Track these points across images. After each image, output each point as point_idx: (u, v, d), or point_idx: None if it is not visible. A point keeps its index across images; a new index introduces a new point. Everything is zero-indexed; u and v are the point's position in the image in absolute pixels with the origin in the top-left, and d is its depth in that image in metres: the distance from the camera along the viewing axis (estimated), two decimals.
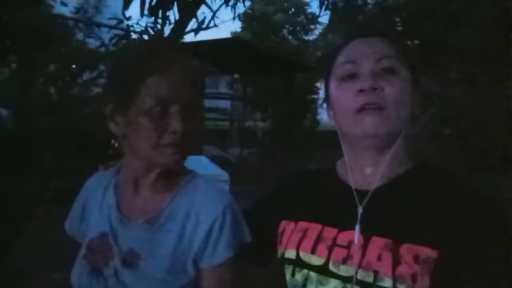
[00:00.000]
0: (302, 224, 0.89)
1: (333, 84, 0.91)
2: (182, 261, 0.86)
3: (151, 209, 0.91)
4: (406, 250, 0.75)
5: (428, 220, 0.77)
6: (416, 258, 0.73)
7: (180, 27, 4.19)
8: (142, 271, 0.85)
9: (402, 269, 0.73)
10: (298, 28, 10.23)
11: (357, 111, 0.84)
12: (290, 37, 9.66)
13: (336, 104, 0.90)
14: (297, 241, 0.86)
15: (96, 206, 0.97)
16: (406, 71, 0.86)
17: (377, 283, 0.74)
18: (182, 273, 0.86)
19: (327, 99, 0.96)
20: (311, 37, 10.37)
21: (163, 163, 0.87)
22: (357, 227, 0.81)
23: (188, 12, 4.16)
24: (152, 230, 0.88)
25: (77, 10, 8.19)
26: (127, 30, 5.62)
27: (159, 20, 4.76)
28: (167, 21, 4.37)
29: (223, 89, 14.17)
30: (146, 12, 4.35)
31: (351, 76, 0.86)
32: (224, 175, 3.33)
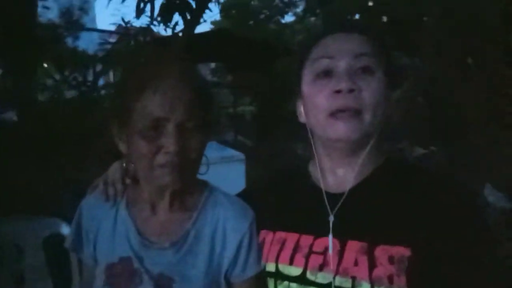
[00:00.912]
0: (280, 234, 0.88)
1: (306, 79, 0.87)
2: (215, 280, 0.88)
3: (174, 230, 0.90)
4: (381, 252, 0.75)
5: (399, 219, 0.77)
6: (391, 259, 0.74)
7: (193, 23, 4.36)
8: None
9: (378, 272, 0.74)
10: (275, 13, 10.61)
11: (332, 113, 0.82)
12: (268, 22, 10.05)
13: (309, 103, 0.86)
14: (275, 254, 0.87)
15: (107, 227, 0.94)
16: (383, 72, 0.83)
17: None
18: None
19: (298, 94, 0.91)
20: (288, 21, 10.85)
21: (162, 184, 0.86)
22: (330, 236, 0.81)
23: (201, 7, 4.33)
24: (181, 253, 0.88)
25: (62, 13, 8.31)
26: (127, 34, 5.92)
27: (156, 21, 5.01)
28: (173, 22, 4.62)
29: (207, 78, 14.52)
30: (149, 14, 4.58)
31: (327, 73, 0.83)
32: (239, 154, 3.78)
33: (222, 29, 8.16)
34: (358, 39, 0.84)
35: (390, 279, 0.72)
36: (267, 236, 0.89)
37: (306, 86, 0.86)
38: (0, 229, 2.16)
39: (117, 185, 0.96)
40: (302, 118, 0.91)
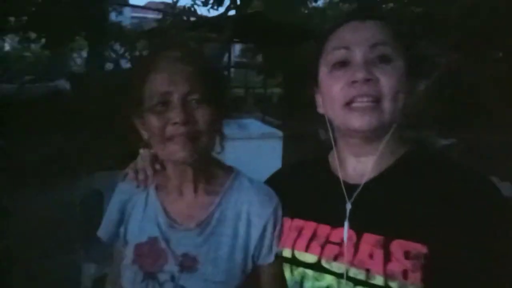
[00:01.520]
0: (297, 222, 0.89)
1: (323, 70, 0.86)
2: (239, 262, 0.90)
3: (199, 213, 0.93)
4: (397, 247, 0.73)
5: (418, 214, 0.75)
6: (406, 254, 0.72)
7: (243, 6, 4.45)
8: (201, 275, 0.87)
9: (393, 266, 0.72)
10: None
11: (349, 103, 0.80)
12: (301, 5, 10.19)
13: (326, 94, 0.85)
14: (292, 241, 0.87)
15: (139, 210, 0.98)
16: (401, 60, 0.81)
17: (369, 281, 0.74)
18: (239, 273, 0.89)
19: (316, 84, 0.90)
20: (320, 4, 10.96)
21: (176, 159, 0.89)
22: (346, 224, 0.80)
23: None
24: (205, 234, 0.90)
25: None
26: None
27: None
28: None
29: (236, 58, 14.78)
30: None
31: (343, 64, 0.82)
32: (278, 132, 4.02)
33: (255, 12, 8.37)
34: (374, 27, 0.82)
35: (405, 274, 0.71)
36: (286, 222, 0.91)
37: (323, 77, 0.86)
38: (89, 181, 2.67)
39: (147, 171, 1.00)
40: (321, 109, 0.91)
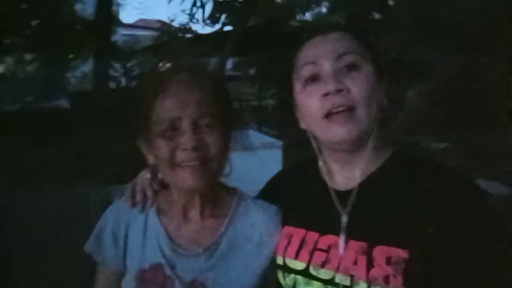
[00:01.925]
0: (288, 229, 0.90)
1: (297, 87, 0.88)
2: (250, 283, 0.89)
3: (206, 237, 0.91)
4: (379, 253, 0.75)
5: (399, 220, 0.77)
6: (388, 260, 0.74)
7: (241, 23, 4.68)
8: None
9: (375, 272, 0.74)
10: (296, 10, 10.98)
11: (325, 116, 0.82)
12: (290, 18, 10.45)
13: (303, 109, 0.87)
14: (283, 248, 0.89)
15: (137, 233, 0.93)
16: (370, 66, 0.83)
17: (354, 287, 0.76)
18: None
19: (291, 101, 0.91)
20: (309, 17, 11.24)
21: (187, 187, 0.87)
22: (342, 236, 0.81)
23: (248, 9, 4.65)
24: (213, 259, 0.88)
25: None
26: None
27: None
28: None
29: (229, 71, 15.00)
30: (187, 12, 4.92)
31: (314, 78, 0.83)
32: (277, 142, 4.18)
33: (252, 26, 8.63)
34: (337, 38, 0.84)
35: (386, 279, 0.73)
36: None
37: (298, 94, 0.88)
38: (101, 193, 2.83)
39: (147, 191, 0.96)
40: (303, 124, 0.92)
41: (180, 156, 0.85)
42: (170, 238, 0.91)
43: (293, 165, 1.07)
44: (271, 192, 1.01)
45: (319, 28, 0.90)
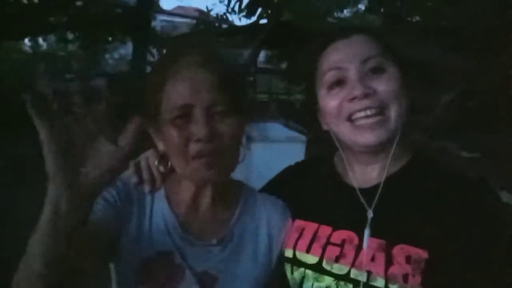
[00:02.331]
0: (299, 223, 0.90)
1: (321, 92, 0.87)
2: (259, 277, 0.87)
3: (218, 228, 0.88)
4: (399, 251, 0.75)
5: (420, 220, 0.77)
6: (408, 259, 0.74)
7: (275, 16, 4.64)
8: None
9: (394, 270, 0.74)
10: (334, 7, 10.91)
11: (352, 118, 0.81)
12: (327, 15, 10.40)
13: (328, 113, 0.86)
14: (294, 241, 0.88)
15: (140, 220, 0.85)
16: (394, 67, 0.83)
17: (370, 283, 0.76)
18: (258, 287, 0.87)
19: (314, 105, 0.90)
20: (347, 15, 11.16)
21: (201, 179, 0.82)
22: (367, 231, 0.80)
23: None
24: (226, 251, 0.86)
25: None
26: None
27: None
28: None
29: (261, 64, 15.08)
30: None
31: (339, 82, 0.83)
32: (301, 136, 4.22)
33: (285, 21, 8.67)
34: (360, 41, 0.84)
35: (405, 278, 0.73)
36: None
37: (322, 98, 0.87)
38: None
39: (153, 171, 0.90)
40: (325, 126, 0.91)
41: (194, 148, 0.80)
42: (182, 226, 0.86)
43: (303, 161, 1.07)
44: (279, 186, 1.01)
45: (341, 31, 0.89)
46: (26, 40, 12.50)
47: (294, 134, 4.14)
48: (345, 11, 10.99)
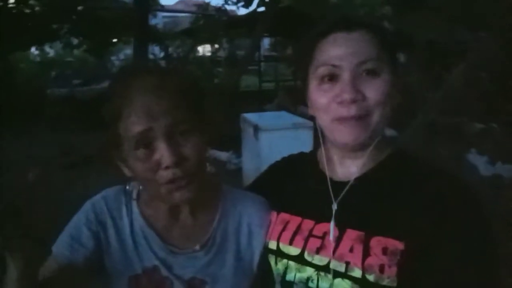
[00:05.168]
0: (284, 216, 0.92)
1: (312, 83, 0.86)
2: (245, 275, 0.89)
3: (200, 233, 0.89)
4: (376, 242, 0.77)
5: (397, 212, 0.79)
6: (384, 250, 0.76)
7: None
8: None
9: (371, 260, 0.76)
10: None
11: (336, 119, 0.82)
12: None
13: (314, 106, 0.87)
14: (277, 234, 0.90)
15: (123, 238, 0.87)
16: (388, 72, 0.82)
17: (348, 273, 0.78)
18: (246, 283, 0.89)
19: (306, 89, 0.89)
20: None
21: (179, 201, 0.82)
22: (332, 223, 0.83)
23: None
24: (210, 254, 0.88)
25: None
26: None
27: None
28: None
29: (266, 51, 15.05)
30: None
31: (331, 78, 0.82)
32: (309, 122, 4.21)
33: (284, 7, 8.62)
34: (361, 40, 0.82)
35: (381, 268, 0.75)
36: (272, 216, 0.94)
37: (312, 89, 0.87)
38: None
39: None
40: (311, 111, 0.91)
41: (164, 175, 0.77)
42: (162, 239, 0.87)
43: (290, 156, 1.07)
44: (265, 182, 1.03)
45: (343, 22, 0.85)
46: (33, 49, 12.69)
47: (301, 120, 4.07)
48: None
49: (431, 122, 5.11)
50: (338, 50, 0.82)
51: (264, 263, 0.91)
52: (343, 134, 0.83)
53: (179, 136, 0.78)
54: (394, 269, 0.74)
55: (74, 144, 5.42)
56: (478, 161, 4.91)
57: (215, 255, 0.88)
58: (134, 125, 0.76)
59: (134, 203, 0.90)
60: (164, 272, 0.85)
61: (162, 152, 0.76)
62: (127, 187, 0.91)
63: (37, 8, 8.75)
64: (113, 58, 13.70)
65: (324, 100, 0.83)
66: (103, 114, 0.81)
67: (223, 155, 5.53)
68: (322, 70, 0.83)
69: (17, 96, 7.49)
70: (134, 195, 0.90)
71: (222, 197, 0.94)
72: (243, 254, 0.90)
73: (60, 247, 0.83)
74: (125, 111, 0.77)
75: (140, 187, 0.89)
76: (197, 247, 0.87)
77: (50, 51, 13.90)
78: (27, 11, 8.56)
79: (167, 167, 0.76)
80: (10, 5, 8.28)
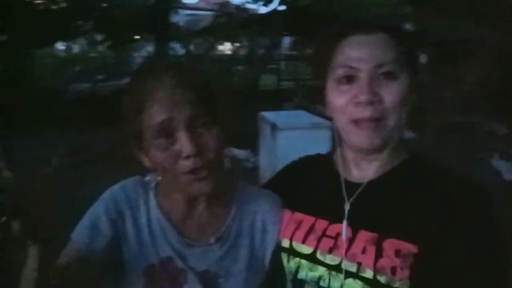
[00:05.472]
0: (298, 215, 0.92)
1: (330, 84, 0.87)
2: (258, 271, 0.90)
3: (215, 226, 0.90)
4: (389, 245, 0.78)
5: (411, 216, 0.79)
6: (397, 252, 0.76)
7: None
8: None
9: (383, 262, 0.77)
10: None
11: (353, 121, 0.83)
12: None
13: (331, 107, 0.88)
14: (291, 232, 0.90)
15: (139, 229, 0.89)
16: (407, 74, 0.83)
17: (360, 273, 0.79)
18: (257, 280, 0.90)
19: (322, 93, 0.90)
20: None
21: (193, 193, 0.84)
22: (344, 222, 0.84)
23: None
24: (224, 248, 0.89)
25: None
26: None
27: None
28: None
29: (285, 50, 14.98)
30: None
31: (349, 79, 0.83)
32: (327, 122, 4.21)
33: (304, 6, 8.62)
34: (381, 42, 0.83)
35: (393, 270, 0.75)
36: (286, 215, 0.94)
37: (330, 90, 0.88)
38: None
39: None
40: (328, 113, 0.92)
41: (184, 164, 0.79)
42: (178, 231, 0.89)
43: (306, 157, 1.07)
44: (281, 181, 1.04)
45: (363, 24, 0.87)
46: (59, 45, 12.99)
47: (320, 120, 4.03)
48: None
49: (449, 123, 5.03)
50: (356, 53, 0.83)
51: (276, 261, 0.92)
52: (358, 137, 0.83)
53: (199, 127, 0.81)
54: (406, 272, 0.75)
55: (85, 142, 5.51)
56: (502, 166, 4.85)
57: (229, 249, 0.89)
58: (156, 115, 0.78)
59: (152, 195, 0.91)
60: (179, 263, 0.87)
61: (183, 142, 0.78)
62: (146, 178, 0.93)
63: (62, 5, 8.96)
64: (135, 54, 13.89)
65: (341, 101, 0.84)
66: (123, 108, 0.83)
67: (240, 153, 5.58)
68: (340, 72, 0.84)
69: (30, 96, 7.67)
70: (152, 187, 0.92)
71: (238, 193, 0.95)
72: (256, 250, 0.91)
73: (79, 234, 0.84)
74: (147, 103, 0.79)
75: (159, 178, 0.90)
76: (212, 240, 0.89)
77: (74, 47, 14.21)
78: (54, 7, 8.77)
79: (187, 157, 0.78)
80: (37, 1, 8.50)
